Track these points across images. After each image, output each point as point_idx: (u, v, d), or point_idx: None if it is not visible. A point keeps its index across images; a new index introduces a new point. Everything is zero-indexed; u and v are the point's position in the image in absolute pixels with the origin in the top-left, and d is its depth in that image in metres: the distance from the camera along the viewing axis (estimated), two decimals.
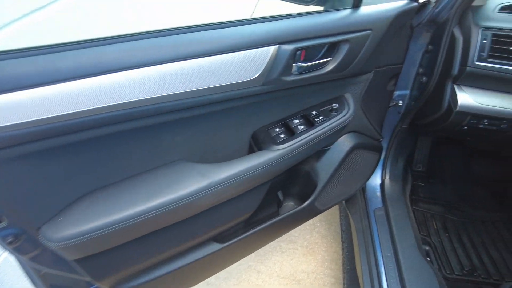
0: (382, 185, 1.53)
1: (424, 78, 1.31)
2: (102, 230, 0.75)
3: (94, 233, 0.74)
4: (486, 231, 1.57)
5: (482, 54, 1.12)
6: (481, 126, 1.19)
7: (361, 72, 1.07)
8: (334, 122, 1.04)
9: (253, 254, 1.78)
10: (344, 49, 0.95)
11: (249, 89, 0.85)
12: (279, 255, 1.79)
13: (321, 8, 1.12)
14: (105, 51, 0.69)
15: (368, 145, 1.28)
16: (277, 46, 0.84)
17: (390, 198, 1.47)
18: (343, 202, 1.66)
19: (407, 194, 1.54)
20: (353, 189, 1.40)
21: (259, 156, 0.94)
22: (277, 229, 1.29)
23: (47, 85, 0.63)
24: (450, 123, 1.20)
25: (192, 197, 0.84)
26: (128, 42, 0.71)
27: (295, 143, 0.98)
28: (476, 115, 1.17)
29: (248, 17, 0.85)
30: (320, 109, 1.06)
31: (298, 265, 1.75)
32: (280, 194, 1.26)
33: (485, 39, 1.12)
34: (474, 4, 1.19)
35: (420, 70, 1.34)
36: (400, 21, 1.06)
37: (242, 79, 0.82)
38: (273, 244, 1.84)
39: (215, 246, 1.05)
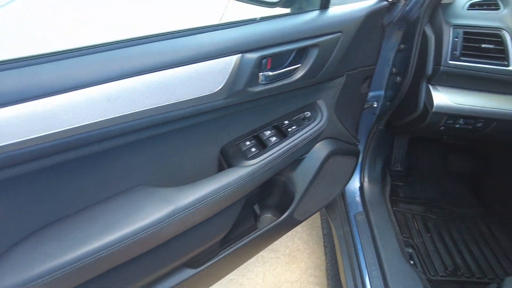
0: (361, 188, 1.47)
1: (398, 78, 1.26)
2: (50, 276, 0.65)
3: (40, 280, 0.64)
4: (466, 228, 1.55)
5: (455, 52, 1.07)
6: (457, 126, 1.15)
7: (333, 76, 1.00)
8: (307, 131, 0.97)
9: None
10: (313, 54, 0.88)
11: (212, 103, 0.77)
12: (261, 266, 1.71)
13: (288, 10, 1.05)
14: (38, 71, 0.59)
15: (345, 151, 1.21)
16: (240, 55, 0.75)
17: (370, 202, 1.42)
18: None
19: (387, 195, 1.49)
20: (332, 196, 1.34)
21: (229, 174, 0.85)
22: (256, 244, 1.22)
23: None
24: (427, 124, 1.15)
25: (155, 227, 0.75)
26: (67, 60, 0.62)
27: (267, 156, 0.90)
28: (452, 115, 1.12)
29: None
30: (292, 118, 0.99)
31: (281, 274, 1.68)
32: (256, 207, 1.18)
33: (456, 37, 1.08)
34: (444, 1, 1.14)
35: (394, 70, 1.29)
36: (371, 21, 1.00)
37: (202, 93, 0.73)
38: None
39: (188, 272, 0.96)
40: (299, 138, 0.95)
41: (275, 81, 0.86)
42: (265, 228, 1.13)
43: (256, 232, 1.12)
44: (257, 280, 1.65)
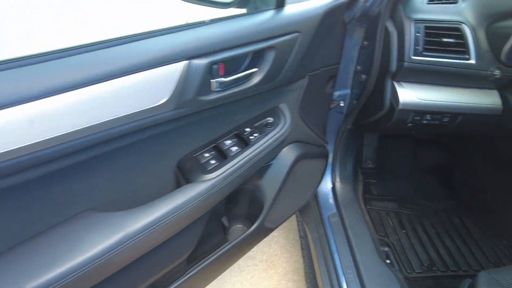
0: (333, 189, 1.43)
1: (363, 76, 1.21)
2: None
3: None
4: (439, 221, 1.53)
5: (418, 48, 1.04)
6: (424, 122, 1.12)
7: (294, 79, 0.94)
8: (270, 137, 0.91)
9: None
10: (270, 57, 0.81)
11: (160, 115, 0.69)
12: (238, 275, 1.64)
13: (243, 10, 0.98)
14: None
15: (313, 153, 1.16)
16: (186, 62, 0.68)
17: (343, 202, 1.37)
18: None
19: (360, 194, 1.45)
20: (304, 200, 1.29)
21: (186, 191, 0.78)
22: (228, 257, 1.14)
23: None
24: (394, 122, 1.12)
25: (104, 257, 0.66)
26: None
27: (228, 168, 0.83)
28: (419, 112, 1.09)
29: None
30: (254, 125, 0.92)
31: (259, 282, 1.62)
32: (224, 219, 1.10)
33: (418, 32, 1.04)
34: None
35: (358, 67, 1.25)
36: (330, 18, 0.94)
37: (147, 105, 0.65)
38: None
39: None
40: (262, 146, 0.89)
41: (231, 88, 0.79)
42: (236, 240, 1.07)
43: (226, 245, 1.05)
44: None
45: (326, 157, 1.27)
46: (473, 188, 1.63)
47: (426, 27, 1.04)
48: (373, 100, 1.18)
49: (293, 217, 1.91)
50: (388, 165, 1.73)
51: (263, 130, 0.91)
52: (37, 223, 0.67)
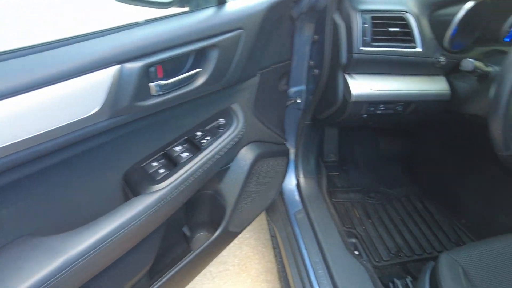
0: (298, 185, 1.41)
1: (316, 71, 1.20)
2: None
3: None
4: (403, 208, 1.55)
5: (366, 38, 1.03)
6: (379, 112, 1.12)
7: (244, 78, 0.90)
8: (224, 140, 0.86)
9: None
10: (213, 56, 0.77)
11: (93, 126, 0.62)
12: (210, 282, 1.58)
13: (185, 9, 0.93)
14: None
15: (273, 152, 1.13)
16: (118, 66, 0.62)
17: (308, 197, 1.35)
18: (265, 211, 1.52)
19: (324, 188, 1.44)
20: (269, 200, 1.25)
21: (135, 204, 0.72)
22: (194, 266, 1.09)
23: None
24: (349, 114, 1.10)
25: (44, 286, 0.59)
26: None
27: (179, 176, 0.77)
28: (372, 102, 1.08)
29: None
30: (205, 128, 0.87)
31: (233, 287, 1.57)
32: (186, 229, 1.05)
33: (365, 23, 1.03)
34: None
35: (311, 62, 1.23)
36: (275, 14, 0.91)
37: (77, 116, 0.59)
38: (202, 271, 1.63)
39: None
40: (216, 149, 0.84)
41: (174, 90, 0.73)
42: (200, 249, 1.01)
43: (191, 254, 1.00)
44: None
45: (287, 154, 1.25)
46: (431, 172, 1.67)
47: (373, 18, 1.04)
48: (327, 94, 1.17)
49: (263, 217, 1.88)
50: (350, 157, 1.73)
51: (215, 132, 0.87)
52: None
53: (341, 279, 1.09)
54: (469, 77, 1.07)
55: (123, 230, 0.69)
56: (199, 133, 0.85)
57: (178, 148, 0.82)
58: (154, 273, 0.96)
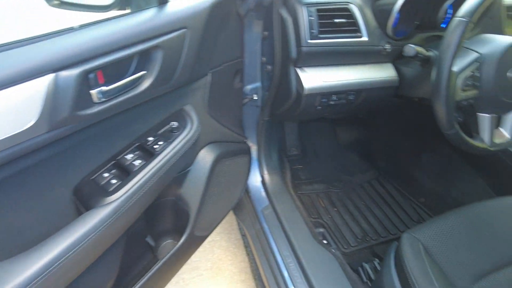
0: (263, 182, 1.40)
1: (269, 67, 1.20)
2: None
3: None
4: (365, 193, 1.60)
5: (313, 31, 1.04)
6: (332, 103, 1.13)
7: (194, 78, 0.88)
8: (178, 143, 0.83)
9: None
10: (158, 57, 0.74)
11: (31, 141, 0.58)
12: None
13: (127, 11, 0.89)
14: None
15: (233, 151, 1.12)
16: (53, 74, 0.58)
17: (273, 193, 1.35)
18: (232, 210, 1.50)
19: (289, 182, 1.45)
20: (234, 200, 1.24)
21: (87, 219, 0.67)
22: (163, 275, 1.05)
23: None
24: (304, 107, 1.11)
25: None
26: None
27: (133, 185, 0.74)
28: (324, 94, 1.10)
29: None
30: (158, 133, 0.84)
31: None
32: (149, 239, 1.01)
33: (311, 16, 1.04)
34: None
35: (264, 59, 1.23)
36: (220, 12, 0.90)
37: (11, 132, 0.54)
38: (174, 279, 1.58)
39: None
40: (170, 153, 0.81)
41: (119, 96, 0.70)
42: (167, 256, 0.98)
43: (158, 264, 0.96)
44: None
45: (248, 152, 1.24)
46: (389, 156, 1.73)
47: (318, 10, 1.05)
48: (282, 89, 1.17)
49: (232, 217, 1.86)
50: (312, 149, 1.76)
51: (169, 136, 0.84)
52: None
53: (312, 269, 1.10)
54: (414, 63, 1.12)
55: (78, 247, 0.64)
56: (151, 138, 0.82)
57: (130, 156, 0.78)
58: (122, 287, 0.92)
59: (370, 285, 1.19)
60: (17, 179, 0.63)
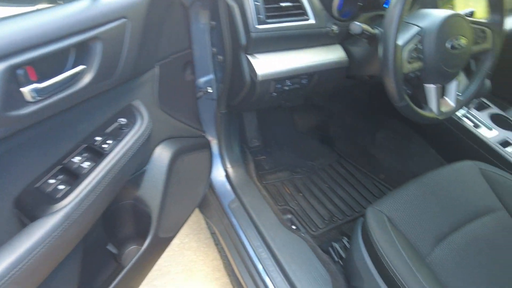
0: (227, 176, 1.37)
1: (220, 57, 1.17)
2: None
3: None
4: (328, 176, 1.62)
5: (260, 16, 1.02)
6: (286, 88, 1.13)
7: (139, 71, 0.83)
8: (129, 141, 0.78)
9: None
10: (97, 50, 0.68)
11: None
12: None
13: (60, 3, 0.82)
14: None
15: (191, 146, 1.08)
16: None
17: (238, 186, 1.33)
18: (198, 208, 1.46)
19: (253, 173, 1.43)
20: (198, 196, 1.20)
21: (33, 231, 0.60)
22: (129, 282, 0.99)
23: None
24: (259, 95, 1.10)
25: None
26: None
27: (84, 188, 0.68)
28: (278, 79, 1.09)
29: None
30: (106, 131, 0.78)
31: None
32: (111, 246, 0.94)
33: (257, 1, 1.03)
34: None
35: (214, 49, 1.19)
36: (162, 2, 0.85)
37: None
38: (145, 287, 1.51)
39: None
40: (121, 152, 0.75)
41: (56, 93, 0.64)
42: (132, 262, 0.92)
43: (123, 271, 0.90)
44: None
45: (207, 146, 1.20)
46: (346, 138, 1.77)
47: None
48: (235, 78, 1.15)
49: (200, 216, 1.82)
50: (273, 139, 1.75)
51: (118, 134, 0.78)
52: None
53: (284, 255, 1.09)
54: (361, 42, 1.14)
55: (23, 263, 0.58)
56: (99, 138, 0.76)
57: (77, 159, 0.72)
58: None
59: (342, 263, 1.21)
60: None
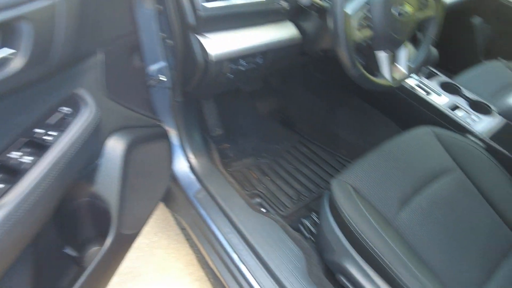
0: (191, 166, 1.32)
1: (170, 41, 1.11)
2: None
3: None
4: (293, 157, 1.62)
5: None
6: (242, 68, 1.10)
7: (79, 56, 0.76)
8: (75, 132, 0.71)
9: None
10: (27, 33, 0.61)
11: None
12: None
13: None
14: None
15: (147, 136, 1.02)
16: None
17: (203, 175, 1.29)
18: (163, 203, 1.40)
19: (217, 162, 1.39)
20: (161, 189, 1.15)
21: None
22: (95, 283, 0.93)
23: None
24: (214, 76, 1.06)
25: None
26: None
27: (27, 185, 0.61)
28: (232, 59, 1.05)
29: None
30: (47, 122, 0.71)
31: None
32: (69, 249, 0.87)
33: None
34: None
35: (163, 35, 1.13)
36: None
37: None
38: None
39: None
40: (68, 144, 0.69)
41: None
42: (95, 263, 0.86)
43: (85, 274, 0.84)
44: None
45: (165, 136, 1.15)
46: (307, 118, 1.78)
47: None
48: (188, 62, 1.10)
49: (168, 214, 1.75)
50: (234, 126, 1.72)
51: (61, 124, 0.71)
52: None
53: (255, 238, 1.07)
54: (312, 16, 1.13)
55: None
56: (39, 130, 0.68)
57: (16, 154, 0.65)
58: None
59: (313, 239, 1.21)
60: None
